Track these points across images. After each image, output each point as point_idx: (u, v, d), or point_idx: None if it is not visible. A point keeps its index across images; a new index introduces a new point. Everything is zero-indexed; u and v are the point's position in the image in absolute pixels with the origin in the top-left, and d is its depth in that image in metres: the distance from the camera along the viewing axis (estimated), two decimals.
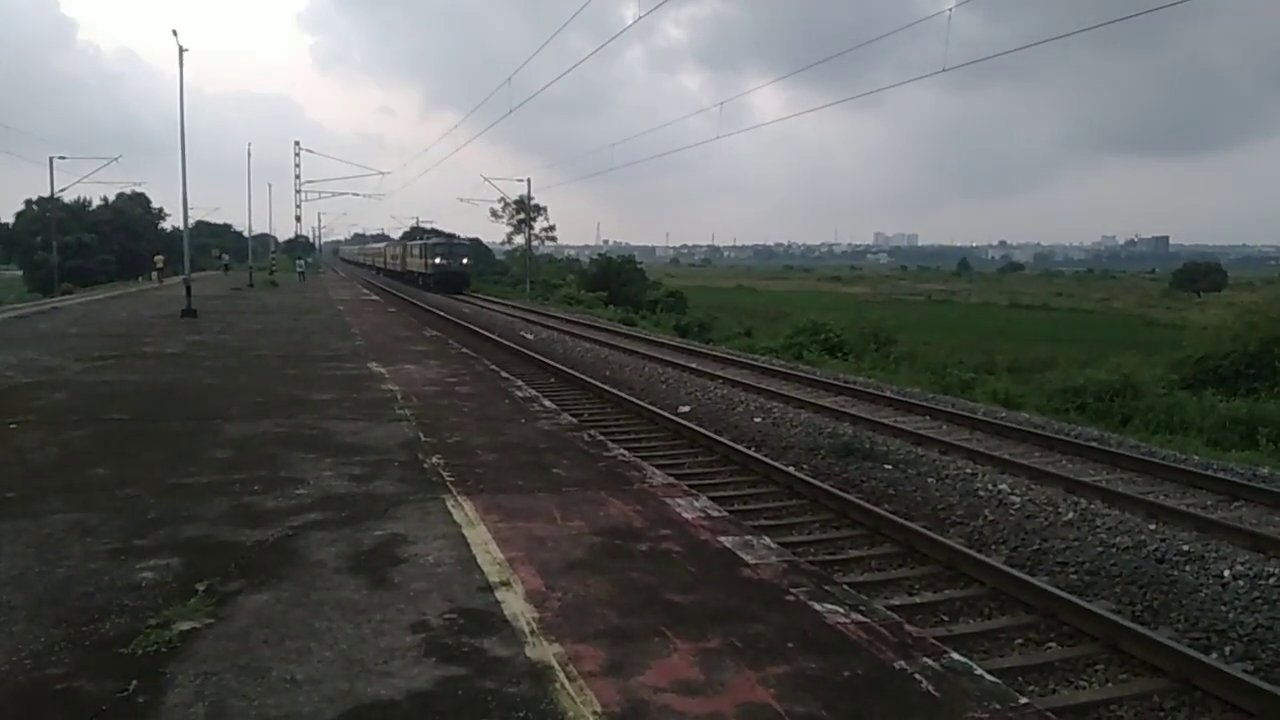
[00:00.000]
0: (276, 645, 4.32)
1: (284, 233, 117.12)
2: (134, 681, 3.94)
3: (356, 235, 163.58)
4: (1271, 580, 7.84)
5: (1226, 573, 8.08)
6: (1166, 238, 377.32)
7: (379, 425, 9.81)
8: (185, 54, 26.56)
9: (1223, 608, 7.52)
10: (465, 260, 61.31)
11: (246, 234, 76.76)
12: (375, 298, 41.73)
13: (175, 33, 26.77)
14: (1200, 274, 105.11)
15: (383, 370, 14.42)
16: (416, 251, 65.61)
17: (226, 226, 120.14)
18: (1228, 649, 6.89)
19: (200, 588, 5.03)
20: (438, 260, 59.17)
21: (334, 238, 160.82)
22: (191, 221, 39.89)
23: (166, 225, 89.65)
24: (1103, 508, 10.02)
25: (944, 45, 16.62)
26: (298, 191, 59.18)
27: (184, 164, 27.68)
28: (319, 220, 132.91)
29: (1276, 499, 10.32)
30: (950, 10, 17.04)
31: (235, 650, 4.25)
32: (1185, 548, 8.67)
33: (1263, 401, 20.11)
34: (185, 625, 4.52)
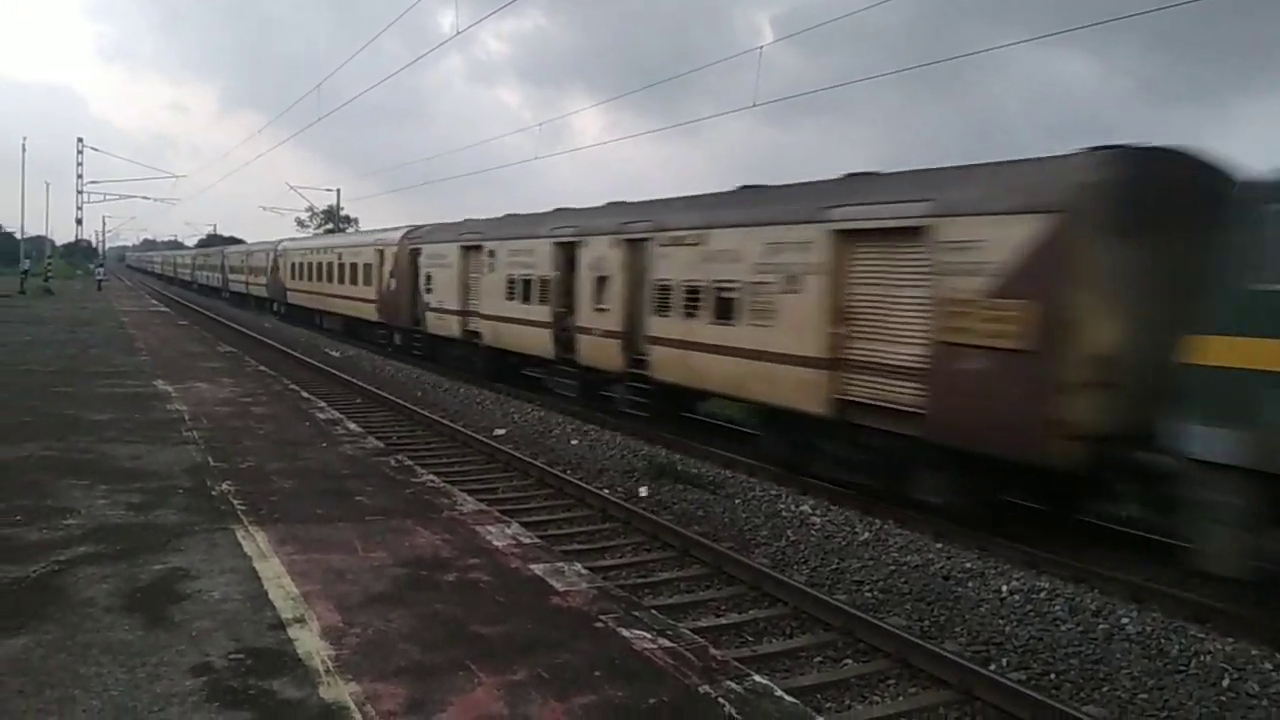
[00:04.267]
0: (34, 695, 3.91)
1: (62, 236, 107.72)
2: None
3: (146, 241, 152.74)
4: (1042, 595, 8.48)
5: (1004, 588, 8.68)
6: None
7: (163, 449, 9.13)
8: None
9: (1000, 621, 8.06)
10: None
11: (19, 235, 69.66)
12: (165, 309, 39.05)
13: None
14: None
15: (170, 388, 13.47)
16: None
17: None
18: (1005, 660, 7.38)
19: None
20: None
21: (120, 243, 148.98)
22: None
23: None
24: (895, 528, 10.58)
25: (762, 80, 17.20)
26: (80, 192, 54.43)
27: None
28: (104, 224, 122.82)
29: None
30: (762, 48, 17.69)
31: None
32: (968, 565, 9.27)
33: None
34: None
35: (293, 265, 40.14)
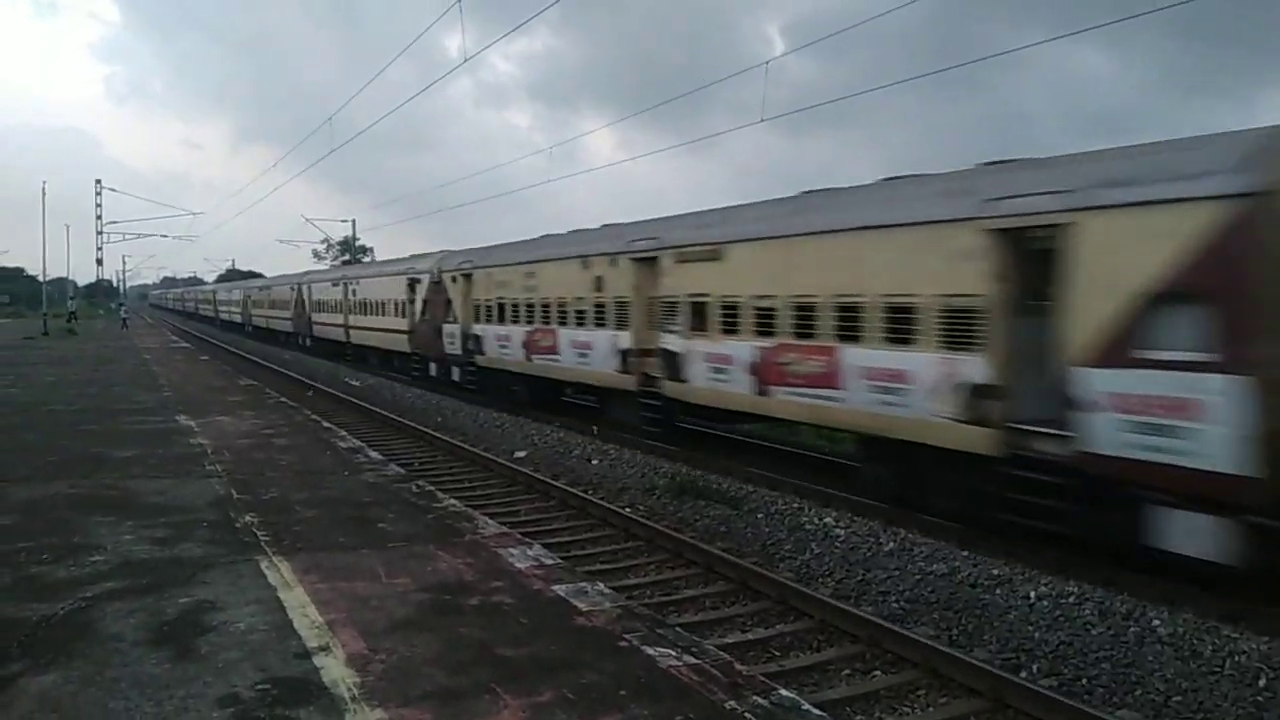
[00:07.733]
0: None
1: (83, 276, 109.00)
2: None
3: (166, 279, 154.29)
4: (1071, 599, 8.39)
5: (1032, 594, 8.59)
6: None
7: (187, 483, 9.20)
8: None
9: (1029, 627, 7.98)
10: None
11: (41, 278, 70.28)
12: (186, 345, 39.43)
13: None
14: None
15: (192, 423, 13.59)
16: None
17: (19, 270, 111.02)
18: (1035, 666, 7.31)
19: None
20: None
21: (140, 281, 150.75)
22: None
23: None
24: (920, 537, 10.50)
25: (774, 91, 17.18)
26: (99, 233, 55.10)
27: None
28: (124, 263, 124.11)
29: None
30: (768, 62, 17.82)
31: None
32: (995, 572, 9.18)
33: None
34: None
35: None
